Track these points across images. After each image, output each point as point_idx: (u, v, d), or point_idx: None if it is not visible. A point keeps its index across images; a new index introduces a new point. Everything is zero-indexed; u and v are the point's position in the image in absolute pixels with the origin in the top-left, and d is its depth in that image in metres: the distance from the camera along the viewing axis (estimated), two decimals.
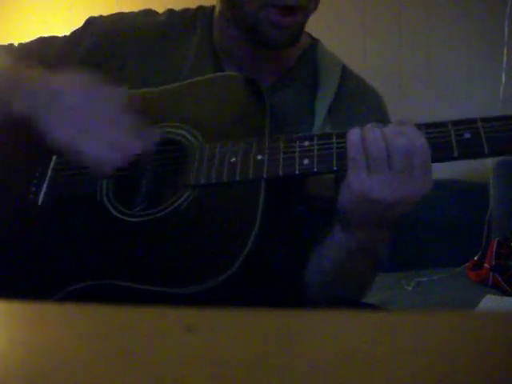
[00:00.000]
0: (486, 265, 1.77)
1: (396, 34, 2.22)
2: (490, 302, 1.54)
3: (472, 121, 0.66)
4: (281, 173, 0.69)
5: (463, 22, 2.19)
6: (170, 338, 0.27)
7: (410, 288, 1.75)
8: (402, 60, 2.22)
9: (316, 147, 0.70)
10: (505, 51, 2.08)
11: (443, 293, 1.69)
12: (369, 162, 0.66)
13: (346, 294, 0.83)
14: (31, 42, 0.94)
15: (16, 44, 0.95)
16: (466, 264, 1.86)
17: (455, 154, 0.66)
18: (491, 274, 1.74)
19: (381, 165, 0.66)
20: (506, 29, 2.08)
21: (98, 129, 0.71)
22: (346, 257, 0.75)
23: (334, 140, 0.70)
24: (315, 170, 0.69)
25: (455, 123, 0.67)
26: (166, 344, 0.26)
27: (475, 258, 1.85)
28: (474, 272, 1.81)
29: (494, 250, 1.77)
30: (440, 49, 2.21)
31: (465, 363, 0.24)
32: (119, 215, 0.73)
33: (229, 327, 0.28)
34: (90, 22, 0.92)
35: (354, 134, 0.68)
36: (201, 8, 0.92)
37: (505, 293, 1.67)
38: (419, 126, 0.67)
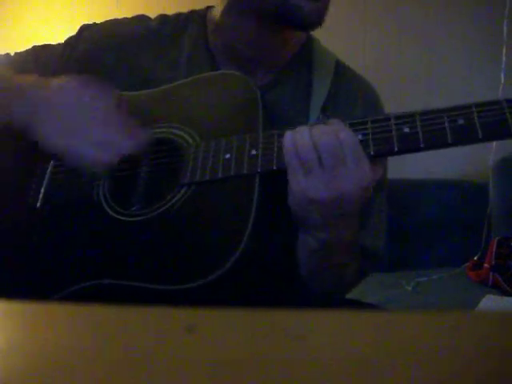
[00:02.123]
0: (485, 265, 1.77)
1: (396, 34, 2.22)
2: (490, 301, 1.54)
3: (466, 107, 0.67)
4: (275, 166, 0.70)
5: (463, 21, 2.19)
6: (170, 337, 0.27)
7: (409, 288, 1.74)
8: (402, 59, 2.22)
9: None
10: (504, 51, 2.08)
11: (443, 293, 1.69)
12: (301, 164, 0.67)
13: (324, 290, 0.83)
14: (26, 50, 0.95)
15: (12, 53, 0.96)
16: (466, 264, 1.86)
17: (449, 141, 0.66)
18: (491, 273, 1.74)
19: (313, 165, 0.67)
20: (505, 29, 2.08)
21: (88, 130, 0.73)
22: (311, 257, 0.76)
23: None
24: None
25: (449, 110, 0.67)
26: (166, 344, 0.26)
27: (475, 258, 1.85)
28: (474, 272, 1.81)
29: (494, 249, 1.77)
30: (440, 48, 2.21)
31: (465, 363, 0.24)
32: (115, 215, 0.74)
33: (229, 327, 0.28)
34: (84, 29, 0.93)
35: (286, 138, 0.69)
36: (193, 11, 0.93)
37: (505, 293, 1.67)
38: (413, 114, 0.68)
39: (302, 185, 0.68)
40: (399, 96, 2.12)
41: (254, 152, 0.71)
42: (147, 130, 0.76)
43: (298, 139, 0.68)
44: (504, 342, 0.26)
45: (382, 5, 2.22)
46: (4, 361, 0.25)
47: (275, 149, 0.71)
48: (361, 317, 0.30)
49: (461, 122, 0.66)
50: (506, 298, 1.61)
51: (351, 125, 0.69)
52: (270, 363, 0.24)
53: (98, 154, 0.72)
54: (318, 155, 0.67)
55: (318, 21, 0.78)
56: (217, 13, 0.87)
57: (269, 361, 0.24)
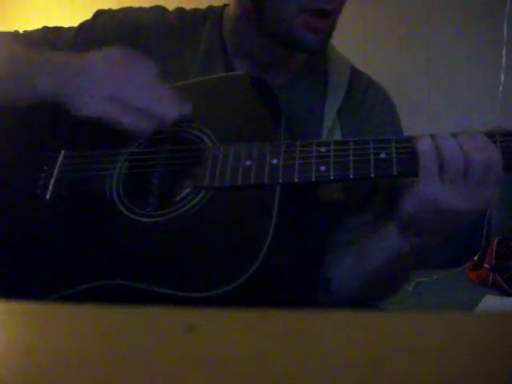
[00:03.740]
0: (485, 265, 1.77)
1: (396, 35, 2.22)
2: (490, 301, 1.54)
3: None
4: (296, 179, 0.68)
5: (463, 22, 2.19)
6: (170, 338, 0.27)
7: (409, 288, 1.74)
8: (402, 61, 2.22)
9: (333, 153, 0.69)
10: (504, 51, 2.09)
11: (443, 293, 1.69)
12: (444, 171, 0.65)
13: (381, 295, 0.83)
14: (37, 29, 0.92)
15: (21, 31, 0.93)
16: (466, 264, 1.86)
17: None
18: (491, 274, 1.74)
19: (457, 176, 0.65)
20: (505, 29, 2.08)
21: (130, 96, 0.72)
22: (393, 261, 0.75)
23: (351, 147, 0.69)
24: (332, 178, 0.68)
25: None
26: (166, 344, 0.26)
27: (475, 258, 1.85)
28: (474, 272, 1.81)
29: (494, 250, 1.77)
30: (440, 49, 2.21)
31: (465, 363, 0.24)
32: (130, 214, 0.72)
33: (229, 327, 0.28)
34: (99, 14, 0.91)
35: (426, 143, 0.67)
36: (210, 8, 0.91)
37: (505, 293, 1.67)
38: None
39: (437, 192, 0.65)
40: (399, 97, 2.12)
41: (275, 161, 0.69)
42: (189, 102, 0.76)
43: (444, 146, 0.66)
44: (504, 342, 0.26)
45: (383, 6, 2.22)
46: (4, 360, 0.25)
47: (297, 160, 0.69)
48: (361, 317, 0.30)
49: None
50: (506, 298, 1.61)
51: (377, 141, 0.69)
52: (269, 363, 0.24)
53: (136, 120, 0.71)
54: (466, 167, 0.65)
55: (320, 48, 0.80)
56: (231, 11, 0.86)
57: (269, 361, 0.24)
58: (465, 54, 2.20)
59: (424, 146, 0.66)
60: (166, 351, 0.25)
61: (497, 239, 1.81)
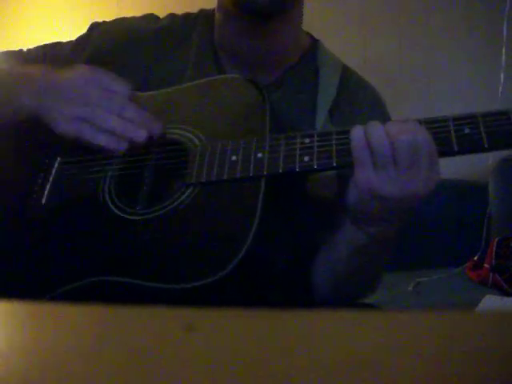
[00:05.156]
0: (485, 265, 1.77)
1: (396, 35, 2.22)
2: (490, 302, 1.54)
3: (471, 116, 0.67)
4: (281, 170, 0.70)
5: (463, 22, 2.19)
6: (170, 337, 0.27)
7: (410, 288, 1.74)
8: (402, 60, 2.22)
9: (316, 144, 0.70)
10: (503, 51, 2.09)
11: (443, 293, 1.69)
12: (374, 159, 0.67)
13: (356, 291, 0.84)
14: (37, 47, 0.95)
15: (24, 49, 0.96)
16: (466, 264, 1.86)
17: (455, 149, 0.66)
18: (491, 274, 1.74)
19: (386, 162, 0.66)
20: (505, 29, 2.08)
21: (99, 116, 0.73)
22: (356, 253, 0.76)
23: (334, 137, 0.70)
24: (315, 166, 0.70)
25: (454, 118, 0.68)
26: (166, 344, 0.26)
27: (475, 258, 1.85)
28: (474, 272, 1.81)
29: (494, 249, 1.77)
30: (440, 49, 2.21)
31: (464, 363, 0.24)
32: (121, 213, 0.74)
33: (229, 327, 0.28)
34: (94, 27, 0.94)
35: (357, 132, 0.68)
36: (202, 11, 0.93)
37: (505, 293, 1.67)
38: (419, 122, 0.68)
39: (371, 180, 0.67)
40: (399, 97, 2.12)
41: (260, 155, 0.71)
42: (161, 123, 0.77)
43: (371, 133, 0.67)
44: (504, 342, 0.26)
45: (382, 5, 2.22)
46: (4, 361, 0.25)
47: (282, 152, 0.71)
48: (361, 317, 0.30)
49: (467, 131, 0.67)
50: (506, 298, 1.61)
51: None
52: (269, 363, 0.24)
53: (107, 140, 0.72)
54: (394, 153, 0.66)
55: (271, 8, 0.78)
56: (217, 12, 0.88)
57: (268, 361, 0.24)
58: (465, 54, 2.20)
59: (355, 137, 0.68)
60: (166, 351, 0.25)
61: (497, 239, 1.80)
